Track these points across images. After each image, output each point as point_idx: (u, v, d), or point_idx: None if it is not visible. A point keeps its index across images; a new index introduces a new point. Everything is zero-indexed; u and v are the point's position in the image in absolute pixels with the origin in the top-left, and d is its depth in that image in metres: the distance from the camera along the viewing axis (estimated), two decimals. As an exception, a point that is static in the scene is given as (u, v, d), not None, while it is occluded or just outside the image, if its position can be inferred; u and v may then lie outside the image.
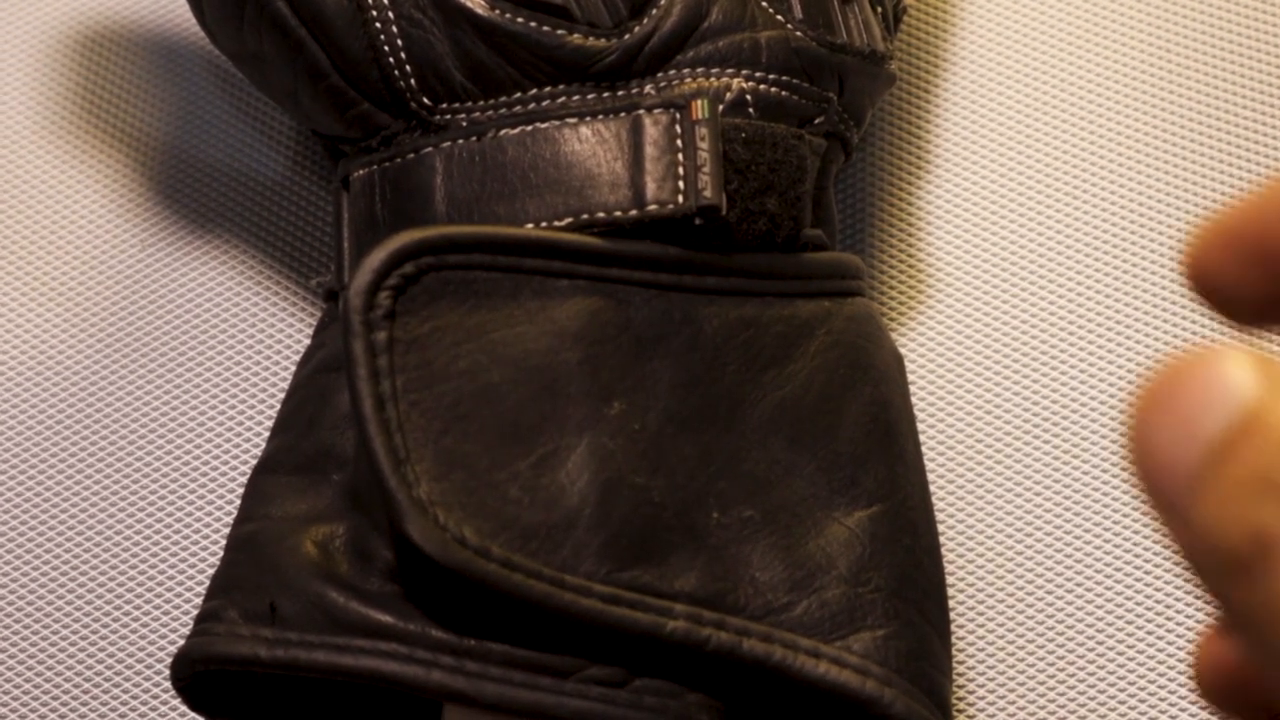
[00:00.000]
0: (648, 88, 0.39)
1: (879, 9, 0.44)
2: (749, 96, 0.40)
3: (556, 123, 0.39)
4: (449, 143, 0.39)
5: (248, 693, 0.39)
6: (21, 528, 0.46)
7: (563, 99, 0.39)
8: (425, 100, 0.39)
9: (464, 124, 0.39)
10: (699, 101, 0.38)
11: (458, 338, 0.36)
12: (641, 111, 0.39)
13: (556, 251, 0.38)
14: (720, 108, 0.39)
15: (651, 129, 0.38)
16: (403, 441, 0.35)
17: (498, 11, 0.39)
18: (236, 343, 0.49)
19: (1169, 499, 0.21)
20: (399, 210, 0.39)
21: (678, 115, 0.38)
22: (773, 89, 0.40)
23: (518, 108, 0.39)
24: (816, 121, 0.41)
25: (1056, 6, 0.52)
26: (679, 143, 0.38)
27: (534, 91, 0.39)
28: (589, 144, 0.38)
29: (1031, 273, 0.48)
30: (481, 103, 0.39)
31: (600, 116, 0.39)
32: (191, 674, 0.37)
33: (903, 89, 0.51)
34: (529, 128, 0.39)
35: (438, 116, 0.39)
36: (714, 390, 0.38)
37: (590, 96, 0.39)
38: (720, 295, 0.39)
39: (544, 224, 0.38)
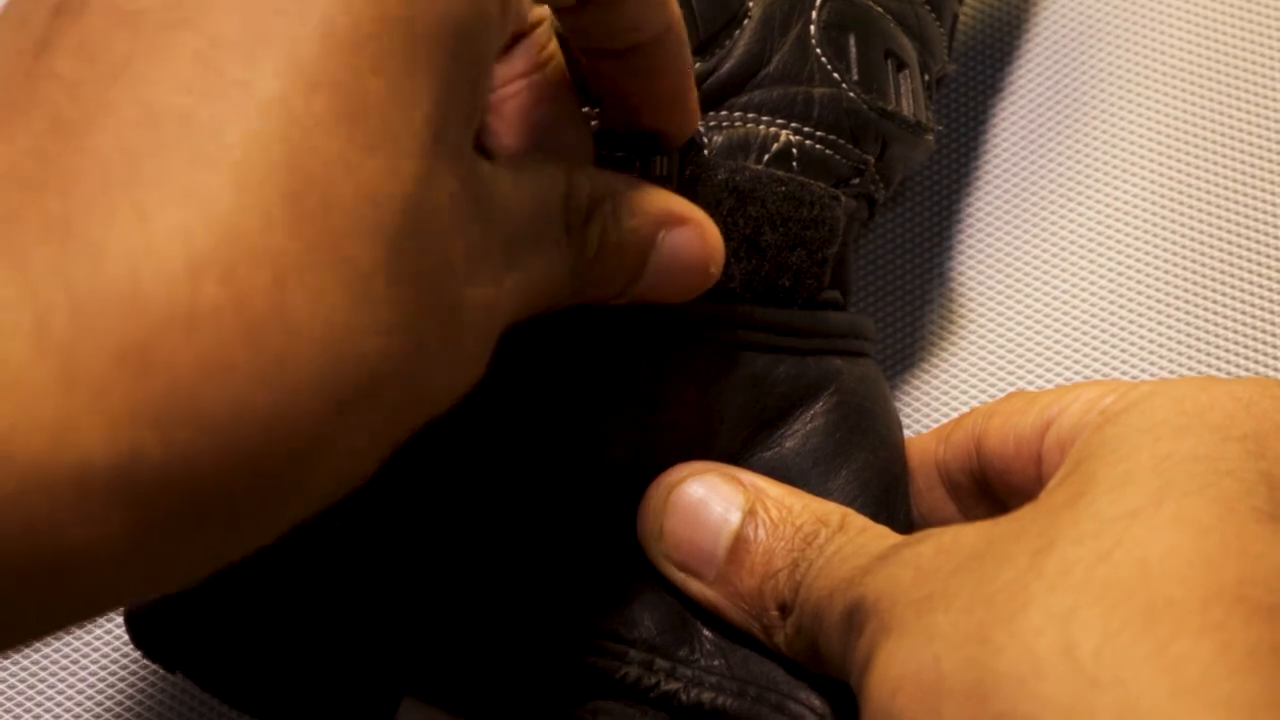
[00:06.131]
0: (699, 124, 0.40)
1: (926, 77, 0.45)
2: (795, 150, 0.40)
3: None
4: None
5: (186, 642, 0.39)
6: None
7: None
8: None
9: None
10: (660, 158, 0.38)
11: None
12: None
13: None
14: (766, 156, 0.40)
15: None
16: None
17: None
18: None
19: (694, 572, 0.37)
20: None
21: (637, 165, 0.38)
22: (818, 145, 0.40)
23: None
24: (853, 182, 0.41)
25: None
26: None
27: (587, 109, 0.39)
28: None
29: (1038, 337, 0.49)
30: None
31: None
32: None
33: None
34: None
35: None
36: (709, 445, 0.39)
37: None
38: (738, 349, 0.39)
39: None
